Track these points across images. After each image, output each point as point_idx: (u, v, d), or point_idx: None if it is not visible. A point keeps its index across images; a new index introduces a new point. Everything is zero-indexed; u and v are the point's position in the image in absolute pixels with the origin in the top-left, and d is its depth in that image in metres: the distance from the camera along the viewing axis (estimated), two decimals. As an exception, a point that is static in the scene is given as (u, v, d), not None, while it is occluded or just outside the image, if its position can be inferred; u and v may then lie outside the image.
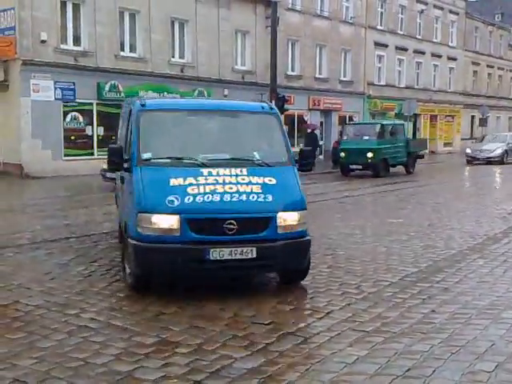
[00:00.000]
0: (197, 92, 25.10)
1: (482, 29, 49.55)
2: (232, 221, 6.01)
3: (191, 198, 6.08)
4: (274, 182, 6.49)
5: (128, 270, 6.63)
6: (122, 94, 22.22)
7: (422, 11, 40.91)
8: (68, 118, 21.95)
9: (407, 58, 40.22)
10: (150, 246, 6.04)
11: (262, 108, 7.46)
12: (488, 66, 50.29)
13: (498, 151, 31.77)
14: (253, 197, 6.25)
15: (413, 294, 6.68)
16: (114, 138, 21.40)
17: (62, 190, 16.92)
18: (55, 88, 21.19)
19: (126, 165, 6.75)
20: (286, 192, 6.55)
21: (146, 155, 6.59)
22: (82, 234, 10.21)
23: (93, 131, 22.70)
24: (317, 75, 32.98)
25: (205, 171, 6.38)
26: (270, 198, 6.30)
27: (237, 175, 6.42)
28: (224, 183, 6.28)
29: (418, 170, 26.07)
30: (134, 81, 22.96)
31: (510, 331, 5.52)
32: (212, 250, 6.00)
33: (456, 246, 9.43)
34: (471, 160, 31.89)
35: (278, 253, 6.23)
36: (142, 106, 7.03)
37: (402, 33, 39.63)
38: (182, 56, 25.77)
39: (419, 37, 41.46)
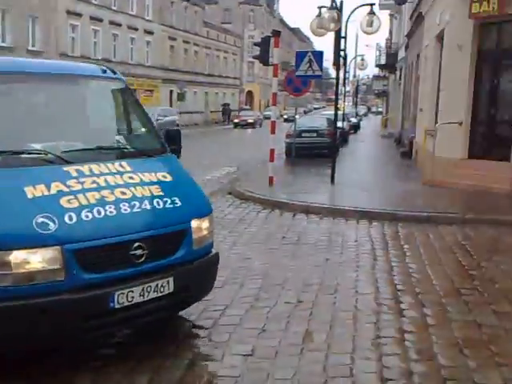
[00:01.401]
0: None
1: (177, 4, 50.61)
2: (140, 243, 3.99)
3: (74, 216, 3.82)
4: (169, 178, 4.60)
5: None
6: None
7: (116, -19, 39.83)
8: None
9: (103, 29, 38.86)
10: (7, 305, 3.53)
11: (104, 72, 5.24)
12: (184, 41, 51.79)
13: None
14: (157, 203, 4.28)
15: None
16: None
17: None
18: None
19: None
20: (188, 191, 4.72)
21: None
22: None
23: None
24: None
25: (71, 170, 4.11)
26: (177, 201, 4.41)
27: (120, 172, 4.33)
28: (110, 186, 4.15)
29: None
30: None
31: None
32: (118, 293, 3.89)
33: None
34: None
35: (195, 278, 4.43)
36: None
37: (96, 3, 38.03)
38: None
39: (115, 8, 40.37)
